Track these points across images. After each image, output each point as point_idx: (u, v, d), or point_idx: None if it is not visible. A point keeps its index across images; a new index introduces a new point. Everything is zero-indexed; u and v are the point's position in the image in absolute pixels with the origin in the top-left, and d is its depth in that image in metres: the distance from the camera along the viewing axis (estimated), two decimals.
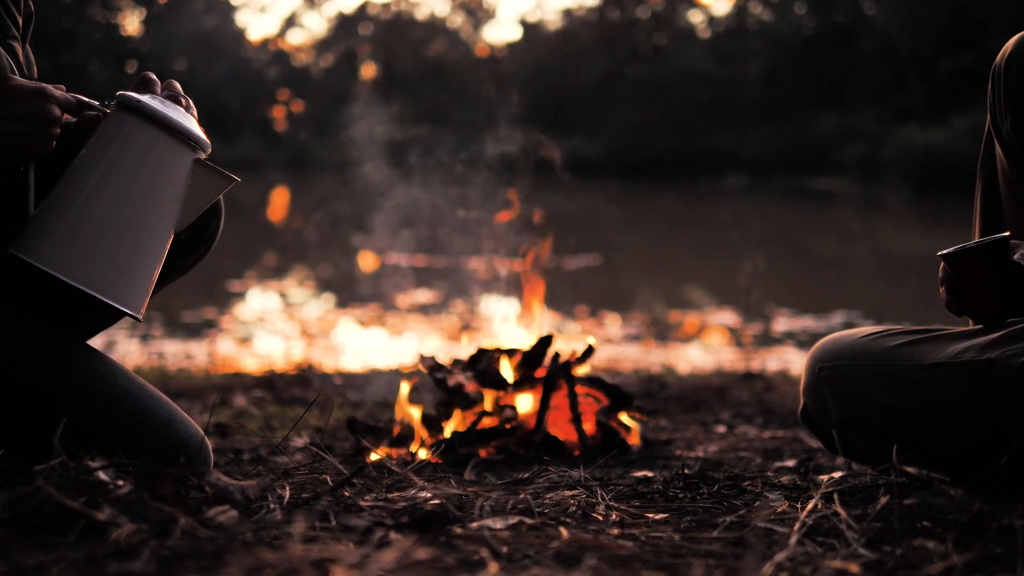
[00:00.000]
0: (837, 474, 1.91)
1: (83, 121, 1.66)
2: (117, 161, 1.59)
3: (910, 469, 1.49)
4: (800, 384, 1.88)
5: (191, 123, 1.63)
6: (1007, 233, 1.63)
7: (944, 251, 1.64)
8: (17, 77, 1.58)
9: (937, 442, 1.60)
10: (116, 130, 1.60)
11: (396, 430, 2.56)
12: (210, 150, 1.65)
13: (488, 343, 2.78)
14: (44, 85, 1.57)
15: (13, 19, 1.72)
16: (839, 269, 11.18)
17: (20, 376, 1.57)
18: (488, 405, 2.58)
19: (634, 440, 2.62)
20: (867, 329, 1.81)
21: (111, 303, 1.58)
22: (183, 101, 1.66)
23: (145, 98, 1.61)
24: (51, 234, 1.57)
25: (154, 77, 1.68)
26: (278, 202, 18.26)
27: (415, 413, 2.62)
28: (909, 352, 1.68)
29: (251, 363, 5.24)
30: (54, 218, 1.58)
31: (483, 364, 2.67)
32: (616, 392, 2.67)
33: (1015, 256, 1.60)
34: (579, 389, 2.64)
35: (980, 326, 1.68)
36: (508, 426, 2.52)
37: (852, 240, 14.42)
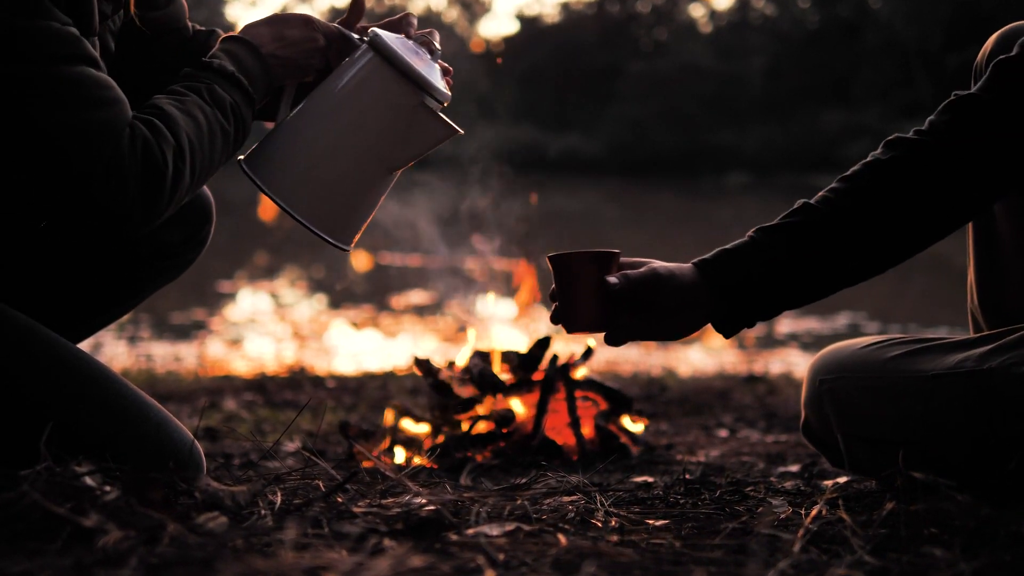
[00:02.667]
0: (842, 479, 1.91)
1: (339, 50, 1.78)
2: (350, 97, 1.69)
3: (916, 474, 1.49)
4: (801, 396, 1.89)
5: (432, 72, 1.71)
6: (618, 250, 1.64)
7: (553, 254, 1.65)
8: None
9: (941, 453, 1.60)
10: (357, 66, 1.70)
11: (387, 441, 2.55)
12: (447, 101, 1.72)
13: (484, 345, 2.78)
14: (311, 15, 1.74)
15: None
16: None
17: (11, 379, 1.56)
18: (484, 408, 2.58)
19: (634, 444, 2.62)
20: (867, 339, 1.81)
21: (317, 231, 1.69)
22: (433, 47, 1.75)
23: (392, 39, 1.70)
24: (273, 155, 1.69)
25: (413, 20, 1.79)
26: (269, 200, 18.23)
27: (409, 423, 2.62)
28: (909, 363, 1.68)
29: (241, 365, 5.24)
30: (280, 141, 1.70)
31: (479, 366, 2.67)
32: (615, 395, 2.67)
33: (611, 277, 1.60)
34: (577, 392, 2.64)
35: (974, 335, 1.68)
36: (505, 430, 2.52)
37: None
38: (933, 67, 28.47)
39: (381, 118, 1.69)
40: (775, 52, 34.31)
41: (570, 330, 1.66)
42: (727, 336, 1.67)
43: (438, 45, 1.75)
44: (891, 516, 1.38)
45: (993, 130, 1.60)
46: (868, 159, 1.66)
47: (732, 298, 1.62)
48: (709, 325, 1.67)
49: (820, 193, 1.66)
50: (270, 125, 1.78)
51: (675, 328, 1.66)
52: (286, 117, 1.73)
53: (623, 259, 1.66)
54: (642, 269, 1.63)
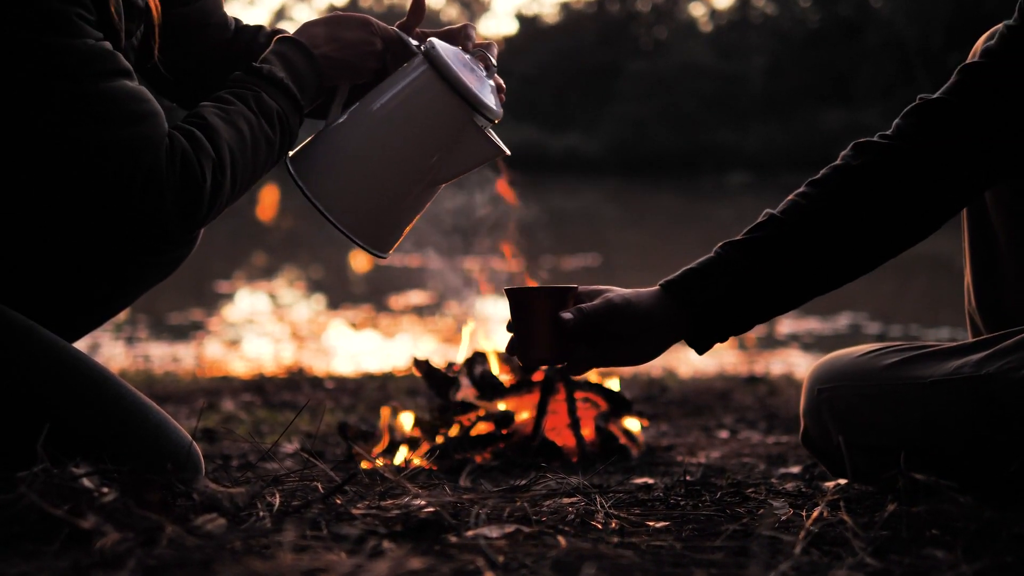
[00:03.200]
0: (843, 481, 1.91)
1: (396, 54, 1.77)
2: (399, 108, 1.68)
3: (918, 476, 1.49)
4: (800, 406, 1.89)
5: (484, 89, 1.69)
6: (574, 285, 1.65)
7: (509, 287, 1.67)
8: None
9: (941, 460, 1.60)
10: (409, 76, 1.69)
11: (385, 440, 2.55)
12: (498, 119, 1.71)
13: (484, 345, 2.78)
14: (370, 17, 1.74)
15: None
16: None
17: (10, 380, 1.56)
18: (484, 409, 2.58)
19: (634, 446, 2.62)
20: (865, 347, 1.82)
21: (355, 239, 1.69)
22: (489, 63, 1.73)
23: (448, 52, 1.68)
24: (318, 160, 1.69)
25: (472, 33, 1.77)
26: (267, 200, 18.25)
27: (407, 421, 2.62)
28: (906, 370, 1.68)
29: (240, 366, 5.24)
30: (327, 146, 1.70)
31: (479, 367, 2.67)
32: (615, 397, 2.67)
33: (565, 313, 1.61)
34: (577, 394, 2.64)
35: (971, 340, 1.68)
36: (504, 431, 2.52)
37: None
38: (934, 66, 28.45)
39: (429, 132, 1.68)
40: (776, 51, 34.31)
41: (525, 363, 1.68)
42: (700, 353, 1.68)
43: (495, 60, 1.74)
44: (893, 518, 1.38)
45: (961, 134, 1.61)
46: (837, 163, 1.66)
47: (702, 317, 1.63)
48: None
49: (788, 199, 1.65)
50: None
51: (638, 353, 1.66)
52: (337, 118, 1.73)
53: (581, 287, 1.67)
54: (597, 301, 1.63)
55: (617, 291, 1.65)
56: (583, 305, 1.63)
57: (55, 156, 1.47)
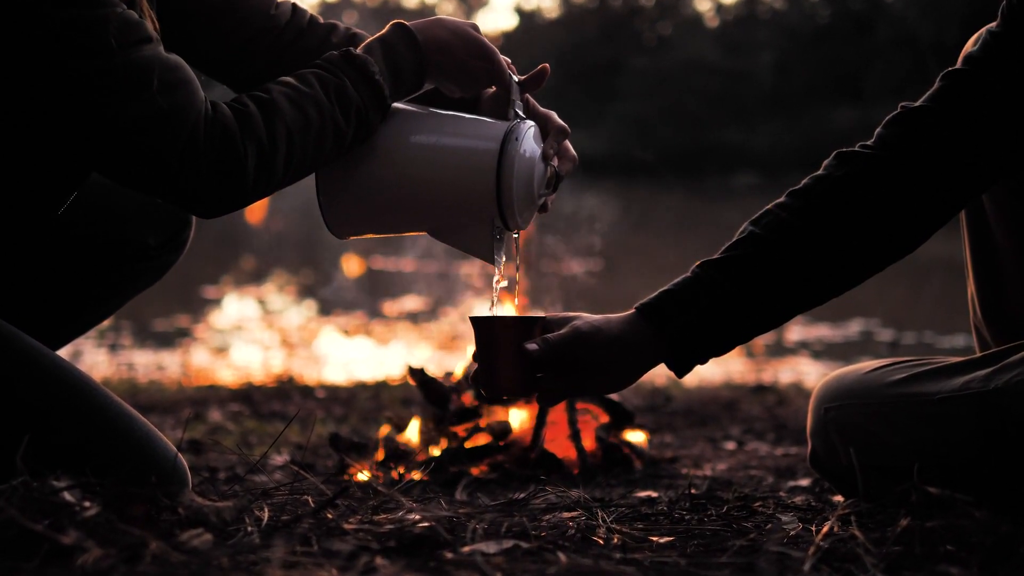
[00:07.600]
0: None
1: (494, 97, 1.77)
2: (446, 153, 1.67)
3: (932, 489, 1.49)
4: (807, 425, 1.89)
5: (524, 202, 1.67)
6: (543, 315, 1.65)
7: (474, 316, 1.66)
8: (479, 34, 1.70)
9: (953, 477, 1.60)
10: (476, 138, 1.67)
11: (380, 453, 2.55)
12: (515, 232, 1.70)
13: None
14: (497, 53, 1.70)
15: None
16: None
17: None
18: (481, 420, 2.58)
19: (637, 458, 2.62)
20: (871, 364, 1.82)
21: (324, 212, 1.69)
22: (554, 183, 1.71)
23: (524, 152, 1.65)
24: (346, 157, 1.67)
25: (556, 143, 1.72)
26: (256, 202, 18.23)
27: (405, 434, 2.62)
28: (914, 388, 1.68)
29: (227, 375, 5.24)
30: (363, 148, 1.67)
31: None
32: (617, 408, 2.67)
33: (530, 344, 1.60)
34: (578, 404, 2.64)
35: (978, 355, 1.68)
36: (502, 443, 2.52)
37: None
38: (948, 62, 28.42)
39: (451, 193, 1.67)
40: (784, 47, 34.34)
41: (489, 395, 1.67)
42: (680, 376, 1.68)
43: (561, 182, 1.73)
44: (905, 533, 1.38)
45: (945, 142, 1.61)
46: (819, 173, 1.65)
47: (681, 340, 1.62)
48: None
49: (768, 210, 1.65)
50: None
51: (613, 381, 1.67)
52: (394, 108, 1.72)
53: (550, 315, 1.67)
54: (564, 329, 1.62)
55: (586, 318, 1.64)
56: (549, 335, 1.62)
57: (82, 134, 1.47)
